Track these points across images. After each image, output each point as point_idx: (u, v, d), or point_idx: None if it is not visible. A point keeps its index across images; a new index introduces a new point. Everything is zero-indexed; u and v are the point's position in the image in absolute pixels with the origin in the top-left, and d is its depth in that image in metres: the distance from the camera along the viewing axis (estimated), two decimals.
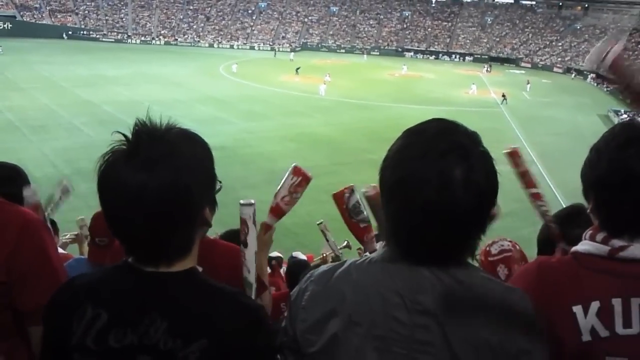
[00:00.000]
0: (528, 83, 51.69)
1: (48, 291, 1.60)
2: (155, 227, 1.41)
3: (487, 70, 65.56)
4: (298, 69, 53.86)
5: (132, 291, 1.46)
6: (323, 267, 1.53)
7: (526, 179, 1.95)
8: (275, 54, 74.95)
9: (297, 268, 5.84)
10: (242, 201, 2.01)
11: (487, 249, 2.72)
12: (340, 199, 2.31)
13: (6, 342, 1.94)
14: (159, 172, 1.38)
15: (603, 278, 1.49)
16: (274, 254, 8.34)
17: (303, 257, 8.16)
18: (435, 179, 1.28)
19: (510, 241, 2.81)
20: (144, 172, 1.37)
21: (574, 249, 1.60)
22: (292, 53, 71.01)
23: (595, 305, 1.46)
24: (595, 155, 1.58)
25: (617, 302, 1.44)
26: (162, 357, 1.40)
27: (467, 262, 1.40)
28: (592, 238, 1.56)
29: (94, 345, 1.43)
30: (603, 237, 1.52)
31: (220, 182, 1.63)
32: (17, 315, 1.93)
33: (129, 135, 1.44)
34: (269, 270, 8.14)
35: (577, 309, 1.47)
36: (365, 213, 2.33)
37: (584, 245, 1.57)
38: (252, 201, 2.03)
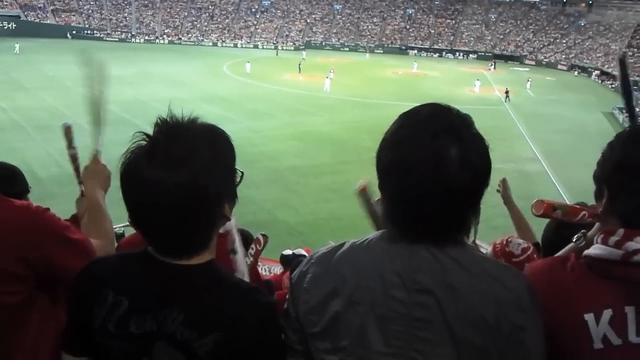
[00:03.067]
0: (528, 81, 51.51)
1: (82, 259, 1.74)
2: (174, 223, 1.46)
3: (492, 68, 65.36)
4: (300, 65, 53.69)
5: (153, 281, 1.52)
6: (323, 249, 1.56)
7: (573, 213, 1.94)
8: (277, 52, 74.89)
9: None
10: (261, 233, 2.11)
11: (507, 250, 2.73)
12: (364, 191, 2.30)
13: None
14: (177, 172, 1.42)
15: (615, 285, 1.45)
16: (287, 251, 8.34)
17: (301, 251, 8.15)
18: (430, 158, 1.32)
19: (520, 239, 2.84)
20: (162, 171, 1.42)
21: (586, 252, 1.56)
22: (304, 52, 70.82)
23: (607, 313, 1.43)
24: (608, 149, 1.58)
25: (630, 310, 1.42)
26: (179, 345, 1.45)
27: (463, 241, 1.43)
28: (604, 242, 1.50)
29: (115, 329, 1.50)
30: (616, 241, 1.47)
31: (242, 172, 1.68)
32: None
33: (151, 132, 1.49)
34: (281, 269, 8.16)
35: (589, 317, 1.44)
36: None
37: (596, 250, 1.52)
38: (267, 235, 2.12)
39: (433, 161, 1.32)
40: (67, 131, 2.67)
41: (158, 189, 1.41)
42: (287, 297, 1.58)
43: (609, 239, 1.50)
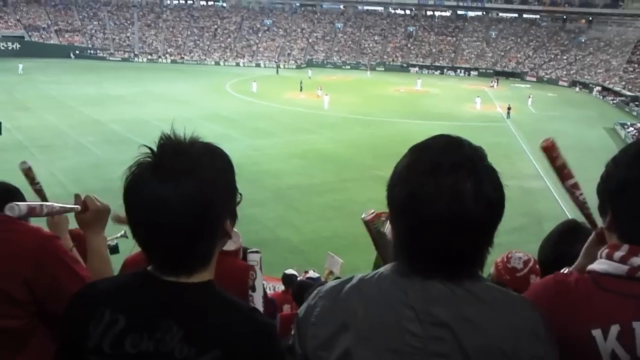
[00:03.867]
0: (530, 97, 51.60)
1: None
2: (177, 238, 1.45)
3: (495, 85, 65.44)
4: (302, 83, 53.88)
5: (151, 298, 1.50)
6: (331, 283, 1.53)
7: (565, 171, 1.86)
8: (277, 71, 75.18)
9: (302, 289, 5.87)
10: (249, 250, 2.11)
11: (509, 266, 2.73)
12: (373, 223, 2.25)
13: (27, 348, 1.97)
14: (183, 184, 1.43)
15: (623, 300, 1.44)
16: (289, 271, 8.37)
17: (293, 272, 8.14)
18: (447, 193, 1.30)
19: (519, 251, 2.83)
20: (168, 184, 1.43)
21: (590, 267, 1.55)
22: (310, 70, 70.97)
23: (615, 329, 1.41)
24: (612, 165, 1.55)
25: (637, 326, 1.40)
26: None
27: (478, 274, 1.41)
28: (609, 257, 1.50)
29: (110, 349, 1.46)
30: (621, 256, 1.47)
31: (240, 194, 1.67)
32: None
33: (154, 148, 1.50)
34: (282, 287, 8.17)
35: (597, 333, 1.42)
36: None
37: (601, 265, 1.51)
38: (258, 250, 2.12)
39: (449, 196, 1.30)
40: (27, 171, 2.66)
41: (163, 201, 1.41)
42: (292, 332, 1.54)
43: (614, 254, 1.49)
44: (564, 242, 2.40)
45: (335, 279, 4.53)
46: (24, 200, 2.70)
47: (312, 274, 8.73)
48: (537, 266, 2.68)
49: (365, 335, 1.37)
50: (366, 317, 1.38)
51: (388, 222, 2.21)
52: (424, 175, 1.34)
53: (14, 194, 2.73)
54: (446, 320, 1.32)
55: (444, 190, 1.30)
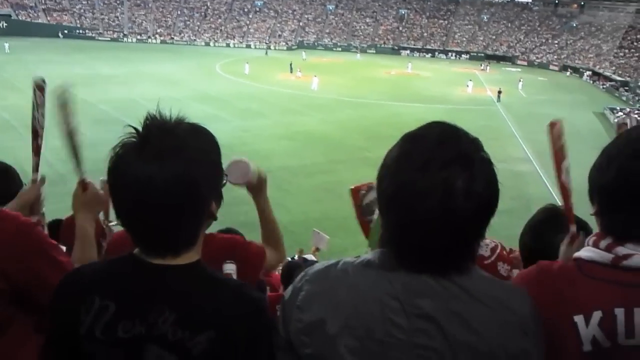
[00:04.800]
0: (520, 81, 51.68)
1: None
2: (163, 218, 1.44)
3: (487, 69, 65.37)
4: (291, 64, 53.64)
5: (140, 283, 1.49)
6: (317, 266, 1.51)
7: (563, 153, 1.85)
8: (266, 52, 74.75)
9: (290, 269, 5.81)
10: (226, 261, 2.07)
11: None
12: (357, 194, 2.28)
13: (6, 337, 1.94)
14: (168, 164, 1.41)
15: (606, 287, 1.44)
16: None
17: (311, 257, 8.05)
18: (438, 189, 1.25)
19: (486, 238, 2.80)
20: (153, 163, 1.41)
21: (576, 255, 1.55)
22: (304, 52, 70.54)
23: (597, 315, 1.41)
24: (605, 161, 1.51)
25: (619, 312, 1.40)
26: (171, 346, 1.43)
27: (468, 267, 1.37)
28: (596, 245, 1.50)
29: (103, 335, 1.46)
30: (607, 245, 1.47)
31: (226, 175, 1.67)
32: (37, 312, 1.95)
33: (140, 128, 1.48)
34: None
35: (579, 319, 1.43)
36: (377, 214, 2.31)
37: (587, 252, 1.52)
38: (233, 262, 2.08)
39: (440, 192, 1.25)
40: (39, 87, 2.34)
41: (149, 181, 1.40)
42: (277, 314, 1.51)
43: (600, 242, 1.49)
44: (546, 233, 2.38)
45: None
46: (18, 182, 2.67)
47: (309, 256, 8.60)
48: (504, 252, 2.66)
49: (348, 324, 1.34)
50: (351, 306, 1.35)
51: (370, 192, 2.23)
52: (415, 169, 1.28)
53: (13, 175, 2.70)
54: (432, 313, 1.29)
55: (435, 186, 1.25)
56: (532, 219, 2.60)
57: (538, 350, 1.35)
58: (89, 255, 2.17)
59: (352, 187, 2.27)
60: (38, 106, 2.29)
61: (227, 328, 1.44)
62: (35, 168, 2.34)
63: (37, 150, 2.33)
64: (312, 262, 6.54)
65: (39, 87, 2.31)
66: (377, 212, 2.23)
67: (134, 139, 1.46)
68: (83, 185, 2.22)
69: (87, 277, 1.56)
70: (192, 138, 1.51)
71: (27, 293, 1.89)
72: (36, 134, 2.31)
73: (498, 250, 2.64)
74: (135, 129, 1.48)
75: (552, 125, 1.78)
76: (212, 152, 1.59)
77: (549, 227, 2.38)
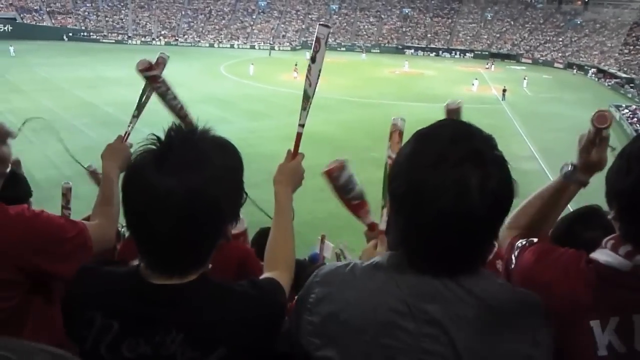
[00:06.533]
0: (525, 79, 51.47)
1: (78, 254, 1.77)
2: (175, 236, 1.37)
3: (492, 67, 65.00)
4: (296, 64, 53.58)
5: (144, 303, 1.43)
6: (327, 267, 1.50)
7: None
8: (270, 53, 74.62)
9: (297, 269, 5.76)
10: (320, 23, 2.08)
11: None
12: (331, 177, 2.28)
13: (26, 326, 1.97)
14: (188, 178, 1.34)
15: (624, 293, 1.41)
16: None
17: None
18: (452, 188, 1.23)
19: None
20: (173, 176, 1.33)
21: (593, 256, 1.51)
22: (308, 52, 69.96)
23: (614, 321, 1.40)
24: (626, 165, 1.45)
25: (637, 319, 1.38)
26: None
27: (477, 269, 1.35)
28: (615, 250, 1.46)
29: (107, 353, 1.41)
30: (627, 252, 1.43)
31: (246, 193, 1.57)
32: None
33: (162, 137, 1.41)
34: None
35: (595, 324, 1.41)
36: (356, 189, 2.29)
37: (605, 256, 1.48)
38: (329, 25, 2.09)
39: (454, 192, 1.22)
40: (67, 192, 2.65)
41: (165, 196, 1.32)
42: (285, 315, 1.51)
43: (620, 248, 1.46)
44: (577, 224, 2.38)
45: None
46: (26, 185, 2.68)
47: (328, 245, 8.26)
48: (501, 249, 2.66)
49: (356, 328, 1.33)
50: (360, 309, 1.34)
51: (343, 172, 2.25)
52: (428, 168, 1.26)
53: (20, 179, 2.71)
54: (439, 318, 1.28)
55: (448, 185, 1.23)
56: (573, 210, 2.57)
57: (545, 356, 1.32)
58: (108, 206, 2.21)
59: (324, 170, 2.29)
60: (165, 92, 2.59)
61: (238, 344, 1.41)
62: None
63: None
64: (314, 257, 6.45)
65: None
66: (356, 187, 2.24)
67: (153, 147, 1.40)
68: (121, 138, 2.38)
69: (88, 293, 1.51)
70: (216, 153, 1.44)
71: (43, 280, 1.93)
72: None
73: (495, 249, 2.64)
74: (157, 137, 1.41)
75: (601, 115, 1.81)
76: (236, 169, 1.52)
77: (582, 220, 2.37)
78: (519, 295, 1.38)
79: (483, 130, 1.35)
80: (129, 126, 2.47)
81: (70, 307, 1.52)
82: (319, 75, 2.12)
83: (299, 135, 2.13)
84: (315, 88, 2.12)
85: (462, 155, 1.26)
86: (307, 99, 2.12)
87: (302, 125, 2.17)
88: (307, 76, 2.11)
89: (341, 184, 2.25)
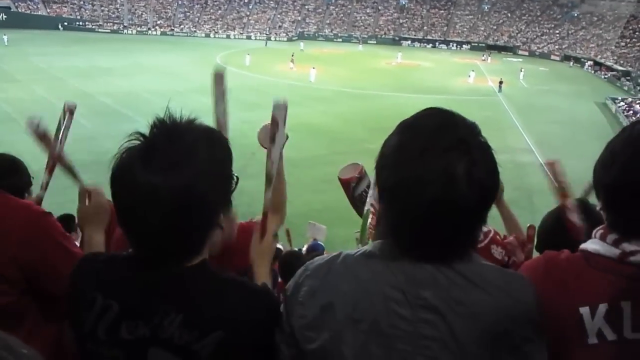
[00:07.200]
0: (521, 71, 51.48)
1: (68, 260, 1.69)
2: (167, 230, 1.37)
3: (488, 59, 64.95)
4: (293, 55, 53.48)
5: (144, 285, 1.44)
6: (318, 260, 1.49)
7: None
8: (266, 43, 74.48)
9: (291, 259, 5.74)
10: (275, 102, 1.98)
11: None
12: (347, 186, 2.25)
13: (23, 329, 1.96)
14: (175, 175, 1.34)
15: (612, 279, 1.43)
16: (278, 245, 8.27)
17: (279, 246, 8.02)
18: (438, 177, 1.24)
19: None
20: (159, 174, 1.33)
21: (582, 246, 1.54)
22: (302, 43, 70.54)
23: (603, 308, 1.41)
24: (610, 157, 1.49)
25: (626, 305, 1.39)
26: (176, 349, 1.39)
27: (470, 254, 1.36)
28: (603, 238, 1.49)
29: (105, 335, 1.43)
30: (614, 240, 1.45)
31: (237, 177, 1.56)
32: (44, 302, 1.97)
33: (145, 127, 1.41)
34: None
35: (584, 310, 1.42)
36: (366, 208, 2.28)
37: (594, 245, 1.50)
38: (285, 103, 1.99)
39: (440, 181, 1.24)
40: (70, 110, 2.49)
41: (153, 193, 1.32)
42: (280, 309, 1.50)
43: (608, 236, 1.48)
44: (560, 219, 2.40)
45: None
46: (27, 174, 2.67)
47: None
48: (498, 237, 2.68)
49: (352, 318, 1.32)
50: (354, 299, 1.34)
51: (361, 183, 2.19)
52: (415, 158, 1.27)
53: (22, 167, 2.70)
54: (436, 303, 1.28)
55: (435, 175, 1.24)
56: (554, 208, 2.60)
57: (540, 338, 1.34)
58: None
59: (341, 177, 2.24)
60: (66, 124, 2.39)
61: (235, 328, 1.41)
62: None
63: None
64: (314, 246, 6.43)
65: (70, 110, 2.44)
66: (367, 204, 2.22)
67: (138, 142, 1.39)
68: (87, 195, 2.18)
69: (90, 276, 1.52)
70: (203, 146, 1.42)
71: (39, 281, 1.92)
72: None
73: (491, 235, 2.67)
74: (142, 134, 1.40)
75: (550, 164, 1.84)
76: (224, 161, 1.51)
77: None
78: (511, 278, 1.40)
79: (466, 118, 1.36)
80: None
81: (74, 288, 1.53)
82: (280, 157, 1.99)
83: (265, 216, 1.94)
84: (276, 169, 1.96)
85: (448, 145, 1.27)
86: (269, 181, 1.94)
87: (267, 211, 1.95)
88: (267, 156, 1.95)
89: (357, 194, 2.21)
